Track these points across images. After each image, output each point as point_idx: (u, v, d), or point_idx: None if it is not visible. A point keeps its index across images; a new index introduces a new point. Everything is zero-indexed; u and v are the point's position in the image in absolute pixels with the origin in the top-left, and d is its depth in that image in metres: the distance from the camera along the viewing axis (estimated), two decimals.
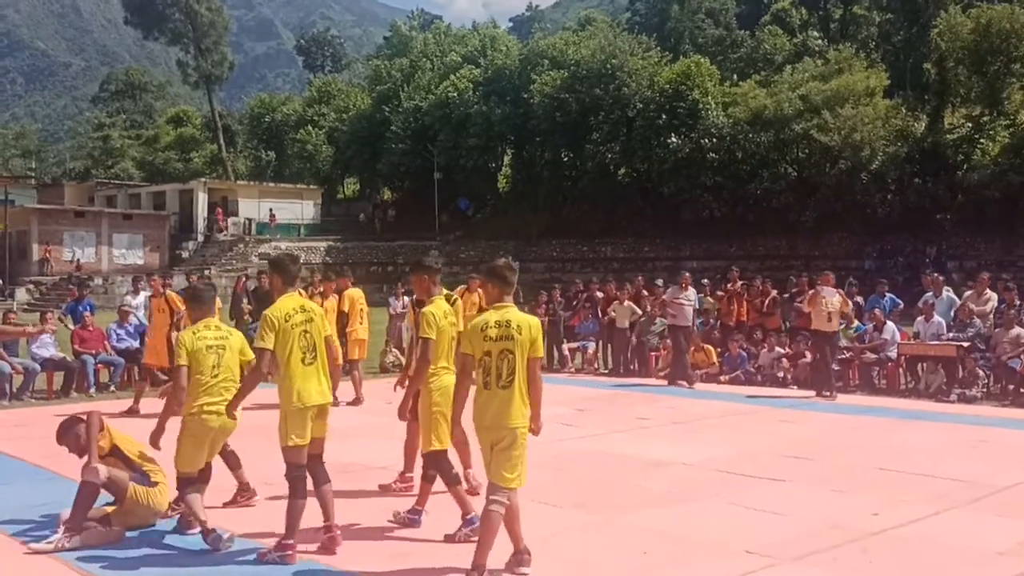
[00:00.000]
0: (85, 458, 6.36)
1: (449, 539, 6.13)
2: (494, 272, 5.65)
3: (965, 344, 13.73)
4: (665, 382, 15.44)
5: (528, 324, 5.47)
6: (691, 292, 15.63)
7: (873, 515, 6.80)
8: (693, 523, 6.68)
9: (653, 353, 16.82)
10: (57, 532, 6.09)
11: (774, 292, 17.01)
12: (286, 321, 5.83)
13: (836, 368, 14.04)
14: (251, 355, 6.35)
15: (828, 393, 13.21)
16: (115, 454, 6.47)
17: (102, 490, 6.28)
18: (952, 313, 14.76)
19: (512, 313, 5.49)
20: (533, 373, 5.45)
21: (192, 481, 6.29)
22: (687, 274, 16.13)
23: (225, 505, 7.04)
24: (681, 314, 15.18)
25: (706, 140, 41.34)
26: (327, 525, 5.96)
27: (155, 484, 6.53)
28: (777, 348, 15.61)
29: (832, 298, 13.43)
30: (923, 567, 5.75)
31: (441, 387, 6.33)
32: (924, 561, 5.83)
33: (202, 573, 5.65)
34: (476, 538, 5.62)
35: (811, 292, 13.99)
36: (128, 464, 6.48)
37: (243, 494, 7.19)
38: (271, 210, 51.42)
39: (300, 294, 6.24)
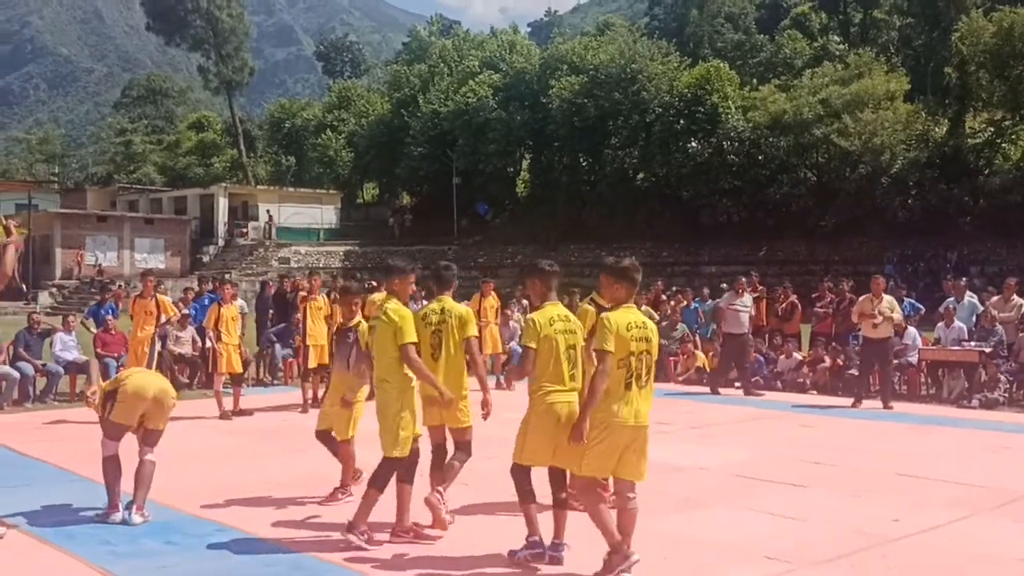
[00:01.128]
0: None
1: (511, 556, 5.86)
2: (623, 274, 5.66)
3: (987, 350, 13.63)
4: (686, 387, 15.43)
5: (655, 328, 5.75)
6: (747, 298, 15.02)
7: (893, 521, 6.78)
8: (712, 528, 6.67)
9: (671, 358, 16.79)
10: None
11: (793, 297, 16.96)
12: (422, 320, 6.41)
13: (854, 373, 13.92)
14: (404, 339, 6.16)
15: (888, 406, 12.87)
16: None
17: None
18: (974, 319, 14.65)
19: (642, 315, 5.66)
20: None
21: (402, 465, 6.19)
22: (743, 279, 15.43)
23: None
24: (736, 321, 14.64)
25: (726, 144, 41.23)
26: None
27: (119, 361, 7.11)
28: (795, 354, 15.56)
29: (882, 304, 13.00)
30: (943, 573, 5.72)
31: (544, 408, 5.72)
32: (944, 567, 5.81)
33: (220, 570, 5.70)
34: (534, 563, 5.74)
35: (861, 299, 13.46)
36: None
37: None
38: (268, 211, 51.33)
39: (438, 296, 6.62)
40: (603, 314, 5.61)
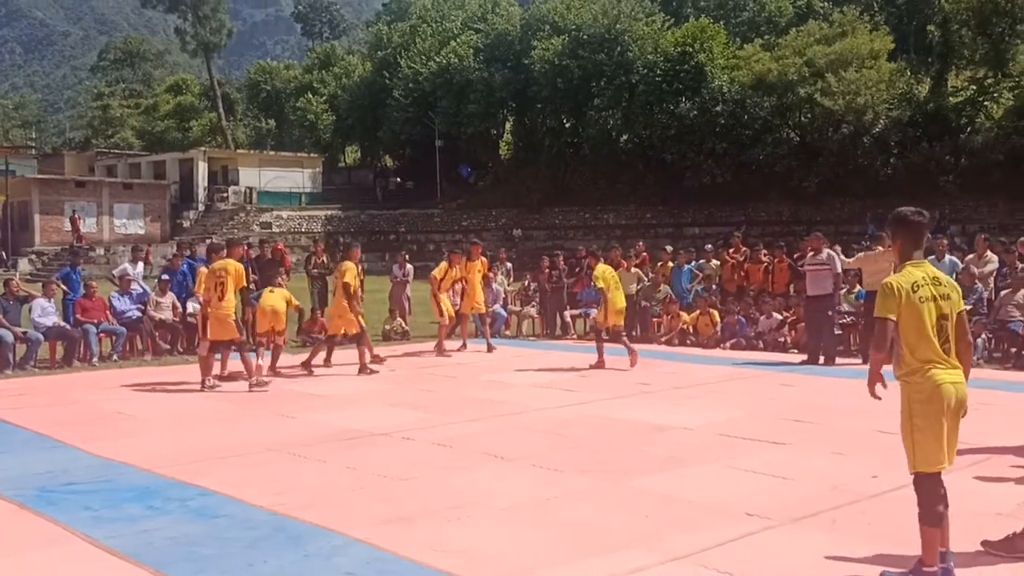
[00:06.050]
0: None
1: None
2: None
3: (967, 307, 13.69)
4: (669, 348, 15.49)
5: None
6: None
7: (872, 478, 6.84)
8: (694, 486, 6.71)
9: (655, 319, 16.87)
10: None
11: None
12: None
13: (839, 333, 14.01)
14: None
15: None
16: None
17: None
18: (954, 276, 14.72)
19: None
20: None
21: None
22: (818, 234, 14.38)
23: None
24: (816, 282, 13.48)
25: (713, 103, 41.02)
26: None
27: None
28: (775, 314, 15.59)
29: None
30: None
31: (922, 393, 4.75)
32: None
33: (201, 533, 5.70)
34: None
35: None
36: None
37: None
38: (247, 187, 51.02)
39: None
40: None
